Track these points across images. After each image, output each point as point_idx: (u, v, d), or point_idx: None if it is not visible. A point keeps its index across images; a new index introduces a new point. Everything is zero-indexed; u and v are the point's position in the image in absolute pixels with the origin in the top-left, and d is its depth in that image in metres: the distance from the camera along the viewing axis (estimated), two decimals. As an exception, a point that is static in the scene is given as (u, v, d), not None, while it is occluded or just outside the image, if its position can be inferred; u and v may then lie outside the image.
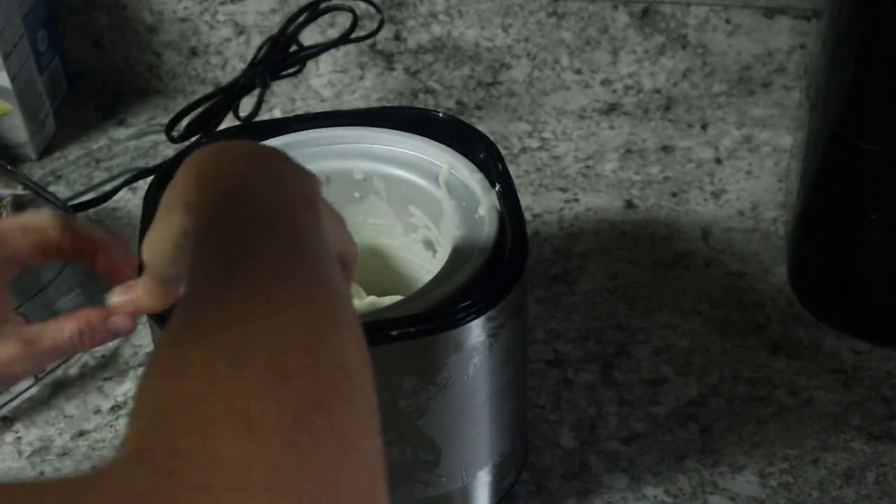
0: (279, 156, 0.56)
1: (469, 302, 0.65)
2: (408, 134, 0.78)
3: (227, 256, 0.47)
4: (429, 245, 0.79)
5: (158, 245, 0.56)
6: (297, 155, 0.78)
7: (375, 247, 0.81)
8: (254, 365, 0.41)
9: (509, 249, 0.68)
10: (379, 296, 0.77)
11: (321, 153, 0.79)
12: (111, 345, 0.89)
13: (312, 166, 0.78)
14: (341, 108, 0.97)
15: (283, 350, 0.42)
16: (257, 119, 0.98)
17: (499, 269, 0.67)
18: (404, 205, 0.78)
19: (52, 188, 1.01)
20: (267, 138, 0.78)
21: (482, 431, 0.71)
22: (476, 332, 0.65)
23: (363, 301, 0.76)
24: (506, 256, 0.68)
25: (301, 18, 0.92)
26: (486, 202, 0.72)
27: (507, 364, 0.69)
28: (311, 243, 0.50)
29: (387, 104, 1.10)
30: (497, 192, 0.73)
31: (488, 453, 0.73)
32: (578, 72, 1.07)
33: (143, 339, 0.89)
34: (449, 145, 0.77)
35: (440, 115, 0.80)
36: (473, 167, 0.75)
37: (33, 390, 0.85)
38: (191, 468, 0.37)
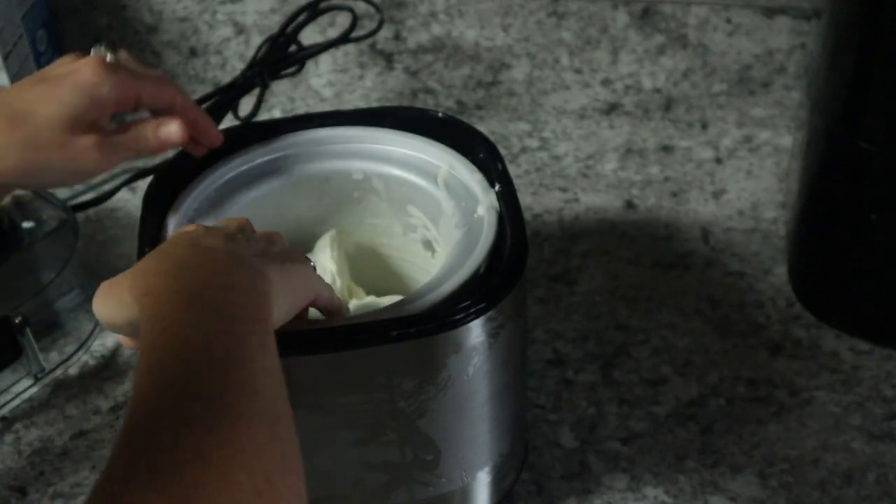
0: (228, 261, 0.58)
1: (469, 302, 0.64)
2: (407, 133, 0.78)
3: (175, 390, 0.48)
4: (427, 245, 0.79)
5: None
6: (298, 155, 0.78)
7: (374, 247, 0.81)
8: None
9: (509, 249, 0.68)
10: (378, 296, 0.77)
11: (320, 153, 0.79)
12: (110, 345, 0.89)
13: (312, 166, 0.78)
14: (341, 108, 0.97)
15: (233, 500, 0.44)
16: (257, 119, 0.98)
17: (498, 270, 0.67)
18: (403, 205, 0.78)
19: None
20: (267, 138, 0.78)
21: (482, 432, 0.71)
22: (476, 332, 0.65)
23: (362, 301, 0.76)
24: (505, 256, 0.68)
25: (301, 18, 0.92)
26: (486, 202, 0.72)
27: (507, 364, 0.69)
28: (260, 374, 0.51)
29: (387, 104, 1.10)
30: (496, 192, 0.72)
31: (488, 454, 0.73)
32: (578, 71, 1.07)
33: (143, 339, 0.89)
34: (448, 145, 0.77)
35: (439, 114, 0.80)
36: (473, 167, 0.75)
37: (33, 390, 0.85)
38: None
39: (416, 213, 0.78)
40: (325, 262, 0.77)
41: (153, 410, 0.48)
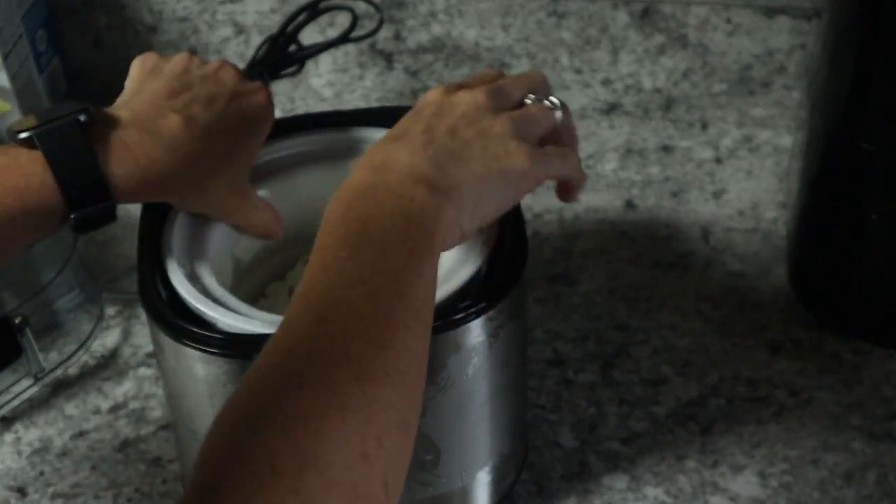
0: (402, 186, 0.58)
1: (469, 302, 0.64)
2: None
3: (317, 334, 0.50)
4: None
5: None
6: (307, 153, 0.78)
7: None
8: (311, 471, 0.45)
9: (509, 249, 0.68)
10: None
11: (330, 153, 0.78)
12: (110, 345, 0.89)
13: (320, 167, 0.78)
14: (341, 108, 0.97)
15: (339, 458, 0.46)
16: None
17: (498, 270, 0.67)
18: None
19: (51, 188, 1.01)
20: (273, 152, 0.78)
21: (482, 432, 0.71)
22: (476, 332, 0.65)
23: None
24: (505, 256, 0.67)
25: (300, 18, 0.92)
26: None
27: (507, 364, 0.69)
28: (401, 329, 0.52)
29: (386, 104, 1.10)
30: None
31: (488, 453, 0.73)
32: (578, 71, 1.07)
33: (143, 339, 0.89)
34: None
35: None
36: None
37: (33, 390, 0.85)
38: None
39: None
40: None
41: (286, 350, 0.49)
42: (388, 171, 0.58)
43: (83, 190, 0.63)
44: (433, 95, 0.65)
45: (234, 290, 0.72)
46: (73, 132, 0.63)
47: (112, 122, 0.65)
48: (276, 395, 0.47)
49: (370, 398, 0.48)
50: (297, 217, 0.77)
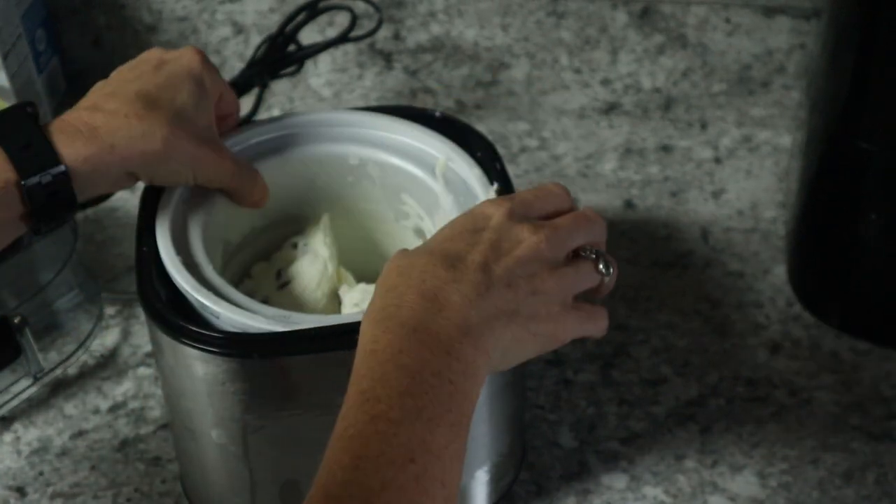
0: (450, 339, 0.57)
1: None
2: (407, 122, 0.78)
3: (362, 452, 0.52)
4: (419, 233, 0.79)
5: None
6: (294, 136, 0.78)
7: (364, 232, 0.81)
8: None
9: None
10: (368, 282, 0.76)
11: (317, 135, 0.78)
12: (110, 345, 0.89)
13: (308, 148, 0.78)
14: (338, 108, 0.96)
15: None
16: (256, 118, 0.97)
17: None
18: (397, 192, 0.78)
19: (50, 188, 1.01)
20: (264, 133, 0.78)
21: (481, 431, 0.71)
22: (475, 332, 0.65)
23: (354, 288, 0.76)
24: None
25: (300, 18, 0.92)
26: (484, 198, 0.72)
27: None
28: (439, 433, 0.54)
29: (385, 104, 1.10)
30: (496, 191, 0.72)
31: (487, 453, 0.73)
32: (578, 71, 1.07)
33: (142, 338, 0.89)
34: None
35: (436, 113, 0.80)
36: (472, 161, 0.75)
37: (32, 390, 0.85)
38: None
39: (409, 202, 0.78)
40: (318, 247, 0.78)
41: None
42: (440, 310, 0.57)
43: (31, 157, 0.65)
44: (496, 215, 0.62)
45: (223, 272, 0.73)
46: (19, 114, 0.67)
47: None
48: None
49: None
50: (283, 198, 0.77)
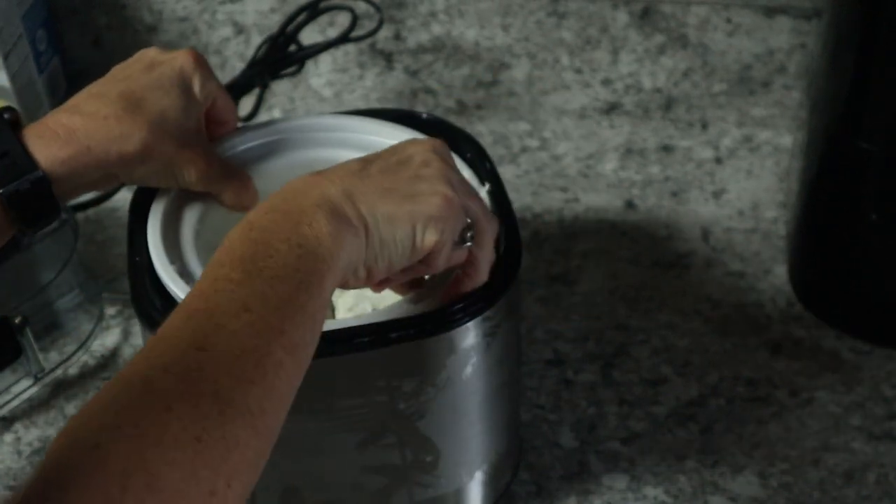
0: (307, 211, 0.58)
1: (465, 303, 0.65)
2: (397, 125, 0.78)
3: (193, 361, 0.50)
4: None
5: None
6: (284, 142, 0.78)
7: None
8: (156, 498, 0.45)
9: (503, 249, 0.68)
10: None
11: (307, 140, 0.78)
12: (110, 345, 0.89)
13: (296, 154, 0.77)
14: (340, 109, 0.96)
15: (188, 491, 0.46)
16: (256, 119, 0.97)
17: (494, 270, 0.67)
18: None
19: (51, 188, 1.01)
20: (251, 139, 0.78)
21: (480, 431, 0.71)
22: (473, 332, 0.65)
23: (347, 292, 0.75)
24: (500, 256, 0.67)
25: (300, 18, 0.92)
26: None
27: (504, 363, 0.69)
28: (271, 366, 0.52)
29: (386, 104, 1.10)
30: (487, 192, 0.72)
31: (486, 453, 0.73)
32: (578, 71, 1.07)
33: (142, 337, 0.89)
34: None
35: (423, 115, 0.79)
36: (462, 163, 0.74)
37: (33, 390, 0.85)
38: None
39: None
40: None
41: (161, 367, 0.49)
42: (301, 195, 0.59)
43: (7, 165, 0.65)
44: (419, 149, 0.65)
45: None
46: None
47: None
48: (143, 411, 0.47)
49: (229, 436, 0.48)
50: None
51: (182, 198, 0.73)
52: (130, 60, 0.73)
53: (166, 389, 0.48)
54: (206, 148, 0.72)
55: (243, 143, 0.77)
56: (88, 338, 0.88)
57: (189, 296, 0.54)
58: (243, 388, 0.50)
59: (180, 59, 0.72)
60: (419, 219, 0.60)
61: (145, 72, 0.71)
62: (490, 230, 0.65)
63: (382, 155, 0.64)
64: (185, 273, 0.68)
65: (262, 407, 0.50)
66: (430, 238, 0.61)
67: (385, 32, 1.07)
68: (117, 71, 0.72)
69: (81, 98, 0.70)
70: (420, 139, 0.68)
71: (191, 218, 0.72)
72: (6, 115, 0.68)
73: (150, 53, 0.73)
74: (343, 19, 1.02)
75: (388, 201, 0.60)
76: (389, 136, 0.77)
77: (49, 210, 0.67)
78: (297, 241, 0.55)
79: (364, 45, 1.07)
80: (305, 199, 0.58)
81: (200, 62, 0.72)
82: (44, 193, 0.66)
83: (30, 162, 0.65)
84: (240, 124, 0.79)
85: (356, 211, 0.59)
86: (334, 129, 0.78)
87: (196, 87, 0.71)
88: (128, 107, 0.68)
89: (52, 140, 0.66)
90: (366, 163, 0.63)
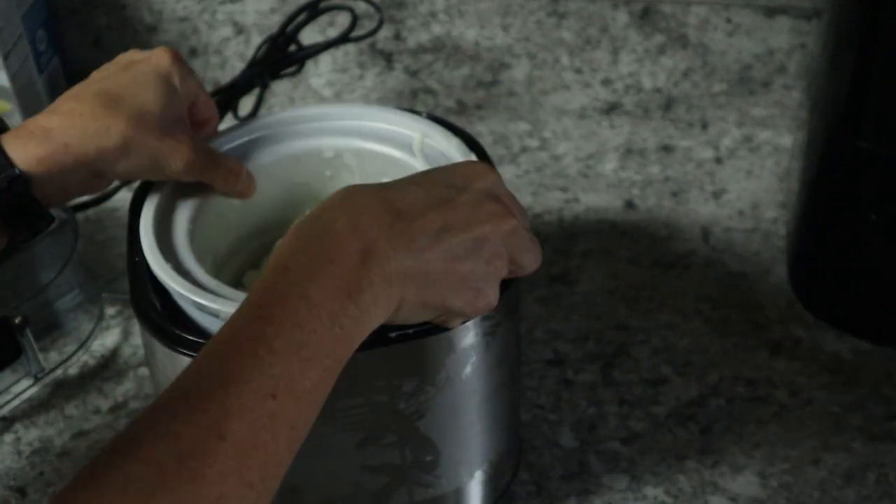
0: (345, 260, 0.56)
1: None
2: (376, 106, 0.77)
3: (216, 446, 0.50)
4: None
5: None
6: (264, 138, 0.76)
7: None
8: None
9: None
10: None
11: (288, 133, 0.77)
12: (110, 345, 0.89)
13: (281, 148, 0.77)
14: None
15: None
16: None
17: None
18: (377, 178, 0.74)
19: (51, 188, 1.01)
20: (232, 140, 0.77)
21: (480, 430, 0.71)
22: (473, 331, 0.65)
23: None
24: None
25: (300, 18, 0.92)
26: None
27: (504, 362, 0.69)
28: (261, 425, 0.52)
29: (386, 104, 1.10)
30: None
31: (486, 452, 0.73)
32: (578, 71, 1.07)
33: (141, 338, 0.89)
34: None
35: (423, 115, 0.78)
36: (448, 133, 0.74)
37: (33, 390, 0.85)
38: None
39: None
40: None
41: (165, 398, 0.51)
42: (364, 253, 0.56)
43: None
44: (484, 177, 0.63)
45: None
46: None
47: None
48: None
49: None
50: (263, 203, 0.76)
51: (176, 192, 0.72)
52: (108, 63, 0.73)
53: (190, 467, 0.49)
54: (191, 136, 0.72)
55: (220, 147, 0.76)
56: (88, 338, 0.88)
57: (230, 336, 0.53)
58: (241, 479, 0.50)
59: (157, 55, 0.72)
60: (455, 314, 0.61)
61: (123, 71, 0.71)
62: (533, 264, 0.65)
63: (460, 211, 0.60)
64: (182, 271, 0.67)
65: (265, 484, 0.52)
66: (454, 324, 0.62)
67: (385, 32, 1.07)
68: (95, 74, 0.72)
69: (59, 101, 0.70)
70: (482, 171, 0.63)
71: (184, 213, 0.71)
72: None
73: (127, 55, 0.73)
74: (343, 19, 1.02)
75: (434, 294, 0.59)
76: (371, 118, 0.76)
77: (34, 213, 0.67)
78: (341, 322, 0.55)
79: (364, 45, 1.07)
80: (364, 265, 0.56)
81: (178, 59, 0.72)
82: (23, 193, 0.66)
83: (5, 160, 0.65)
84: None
85: (401, 299, 0.58)
86: (313, 119, 0.77)
87: (176, 81, 0.71)
88: (105, 103, 0.68)
89: (28, 140, 0.67)
90: (438, 229, 0.59)
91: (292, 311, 0.53)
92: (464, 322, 0.62)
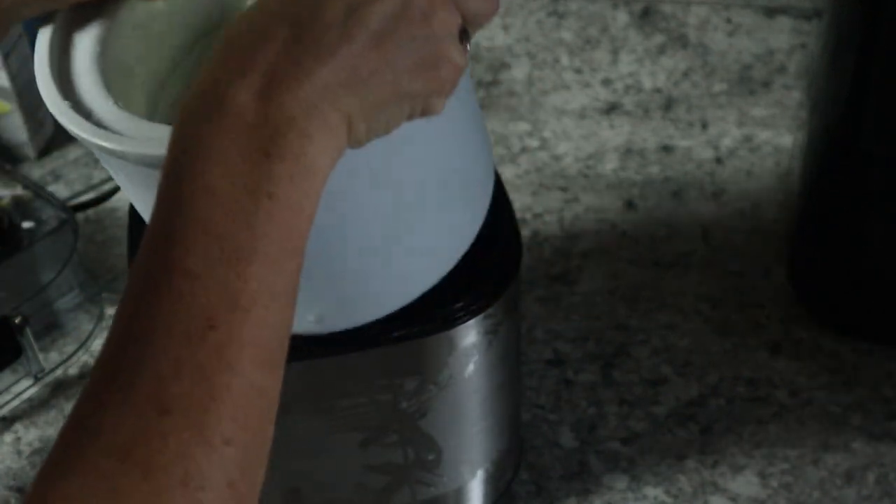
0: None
1: (468, 300, 0.65)
2: None
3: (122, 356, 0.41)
4: None
5: None
6: None
7: None
8: None
9: (503, 247, 0.67)
10: None
11: None
12: (111, 345, 0.89)
13: None
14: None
15: None
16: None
17: (494, 267, 0.67)
18: None
19: (51, 188, 1.01)
20: None
21: (482, 429, 0.71)
22: (475, 330, 0.65)
23: None
24: (500, 254, 0.67)
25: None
26: None
27: (505, 361, 0.69)
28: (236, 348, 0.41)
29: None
30: None
31: (487, 451, 0.73)
32: (578, 71, 1.07)
33: (143, 338, 0.89)
34: None
35: None
36: None
37: (33, 390, 0.85)
38: None
39: None
40: None
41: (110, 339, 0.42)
42: (268, 91, 0.44)
43: None
44: None
45: (151, 114, 0.59)
46: None
47: None
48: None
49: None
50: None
51: (77, 13, 0.59)
52: None
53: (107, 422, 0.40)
54: None
55: None
56: (88, 338, 0.88)
57: (136, 280, 0.42)
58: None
59: None
60: (424, 96, 0.48)
61: None
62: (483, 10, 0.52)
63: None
64: (80, 109, 0.55)
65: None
66: (435, 109, 0.49)
67: (385, 32, 1.07)
68: None
69: None
70: None
71: (89, 33, 0.58)
72: None
73: None
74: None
75: (381, 88, 0.46)
76: None
77: None
78: (269, 191, 0.42)
79: (364, 45, 1.07)
80: (272, 106, 0.43)
81: None
82: None
83: None
84: None
85: (344, 113, 0.45)
86: None
87: None
88: None
89: None
90: (341, 21, 0.45)
91: (196, 212, 0.42)
92: (444, 98, 0.50)
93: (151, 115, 0.58)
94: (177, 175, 0.43)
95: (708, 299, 0.91)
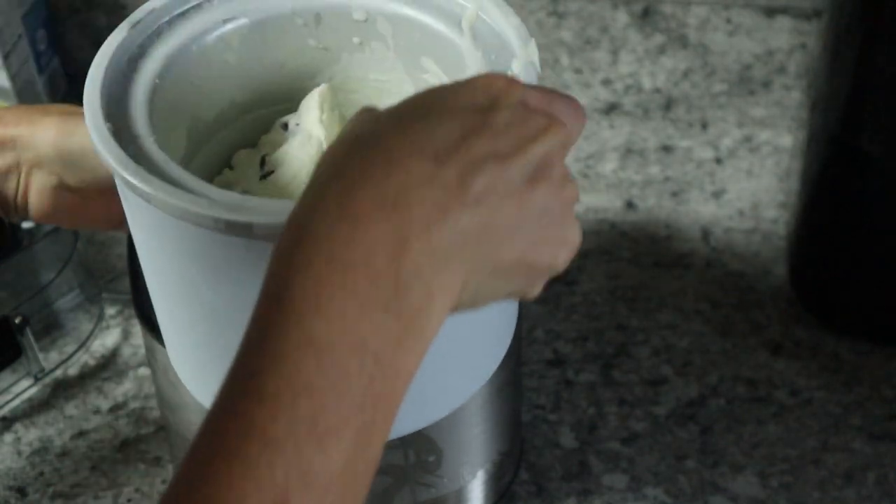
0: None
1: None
2: None
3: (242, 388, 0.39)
4: None
5: None
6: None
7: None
8: None
9: None
10: None
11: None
12: (110, 345, 0.89)
13: (301, 2, 0.61)
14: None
15: None
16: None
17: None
18: (416, 56, 0.62)
19: (51, 188, 1.01)
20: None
21: (482, 430, 0.71)
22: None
23: None
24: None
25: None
26: (523, 56, 0.56)
27: (505, 361, 0.69)
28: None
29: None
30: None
31: (488, 452, 0.73)
32: (578, 71, 1.07)
33: (143, 339, 0.89)
34: None
35: None
36: (509, 9, 0.58)
37: (33, 390, 0.85)
38: None
39: (432, 68, 0.61)
40: (312, 126, 0.61)
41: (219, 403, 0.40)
42: (401, 235, 0.39)
43: None
44: (510, 90, 0.44)
45: (190, 157, 0.59)
46: None
47: None
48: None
49: None
50: (269, 65, 0.63)
51: (139, 47, 0.58)
52: None
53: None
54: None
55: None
56: (88, 338, 0.88)
57: (211, 430, 0.40)
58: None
59: None
60: (537, 273, 0.44)
61: None
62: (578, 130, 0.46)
63: (503, 132, 0.42)
64: (123, 133, 0.54)
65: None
66: (533, 293, 0.45)
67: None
68: None
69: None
70: (505, 82, 0.44)
71: (148, 72, 0.57)
72: None
73: None
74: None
75: (509, 249, 0.42)
76: None
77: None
78: (375, 353, 0.39)
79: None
80: (374, 233, 0.38)
81: None
82: None
83: None
84: None
85: (465, 273, 0.40)
86: None
87: None
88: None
89: None
90: (483, 160, 0.41)
91: (292, 367, 0.38)
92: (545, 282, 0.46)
93: (187, 162, 0.57)
94: (279, 309, 0.39)
95: (708, 299, 0.91)
